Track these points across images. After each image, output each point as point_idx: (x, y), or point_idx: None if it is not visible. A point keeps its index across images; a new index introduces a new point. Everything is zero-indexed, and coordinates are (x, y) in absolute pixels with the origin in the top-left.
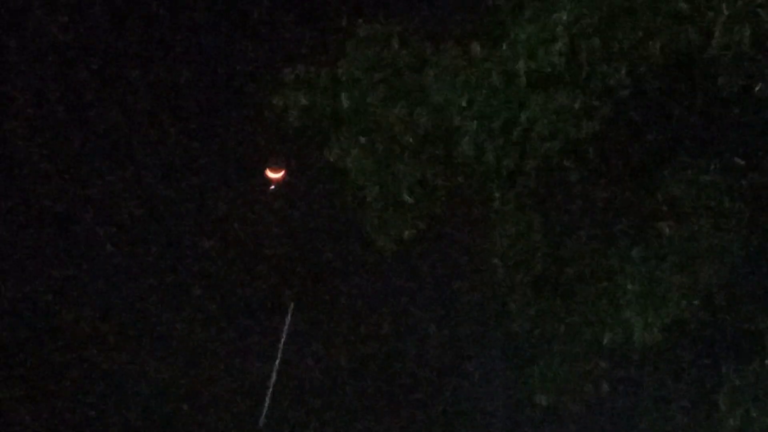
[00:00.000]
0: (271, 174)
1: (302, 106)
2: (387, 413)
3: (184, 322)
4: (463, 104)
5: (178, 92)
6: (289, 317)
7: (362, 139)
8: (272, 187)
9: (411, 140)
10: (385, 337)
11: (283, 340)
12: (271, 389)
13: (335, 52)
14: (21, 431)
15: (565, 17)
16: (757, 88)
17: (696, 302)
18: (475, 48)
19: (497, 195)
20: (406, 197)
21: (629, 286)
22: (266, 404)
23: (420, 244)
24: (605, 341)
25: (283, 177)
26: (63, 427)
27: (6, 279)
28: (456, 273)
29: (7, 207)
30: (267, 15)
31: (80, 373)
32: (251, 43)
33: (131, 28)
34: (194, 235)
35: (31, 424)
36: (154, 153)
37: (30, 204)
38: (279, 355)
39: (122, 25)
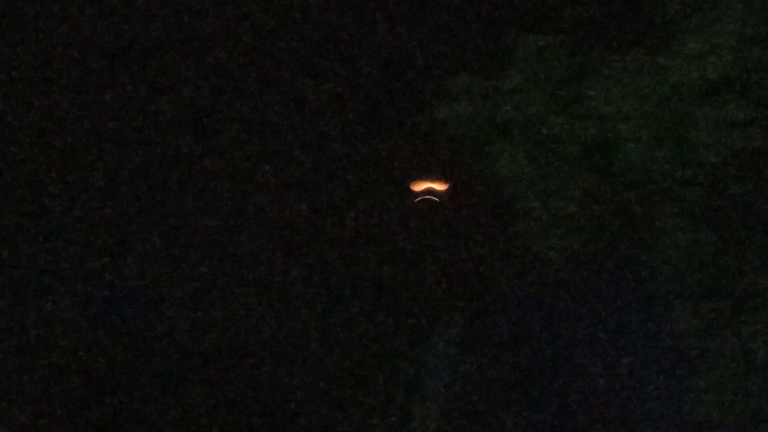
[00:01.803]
0: (431, 186)
1: (465, 115)
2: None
3: (346, 332)
4: (628, 115)
5: (342, 100)
6: (453, 332)
7: (524, 150)
8: (434, 198)
9: (574, 151)
10: (548, 349)
11: (446, 353)
12: (439, 400)
13: (500, 63)
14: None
15: (732, 26)
16: None
17: None
18: (642, 57)
19: (664, 206)
20: (570, 207)
21: None
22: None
23: (584, 256)
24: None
25: (448, 188)
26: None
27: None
28: (621, 285)
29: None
30: (433, 26)
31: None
32: (417, 51)
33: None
34: (355, 247)
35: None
36: (315, 161)
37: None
38: (446, 369)
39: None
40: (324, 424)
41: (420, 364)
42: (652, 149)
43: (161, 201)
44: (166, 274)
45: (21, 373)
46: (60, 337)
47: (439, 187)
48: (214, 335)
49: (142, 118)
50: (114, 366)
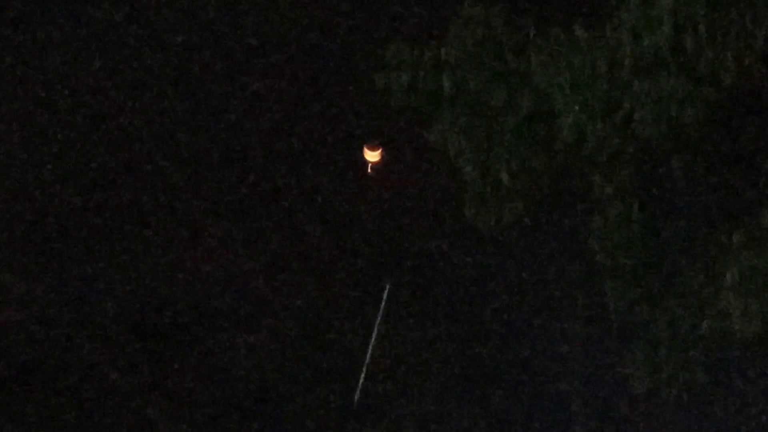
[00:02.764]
0: (369, 153)
1: (404, 85)
2: (477, 397)
3: (283, 300)
4: (566, 88)
5: (281, 69)
6: (384, 298)
7: (463, 121)
8: (371, 166)
9: (512, 122)
10: (481, 320)
11: (378, 322)
12: (365, 370)
13: (439, 33)
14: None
15: (671, 2)
16: None
17: None
18: (580, 31)
19: (598, 179)
20: (506, 179)
21: (729, 275)
22: (360, 384)
23: (518, 227)
24: (704, 329)
25: (382, 156)
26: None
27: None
28: (554, 257)
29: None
30: None
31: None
32: (356, 21)
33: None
34: (291, 213)
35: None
36: (254, 129)
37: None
38: (374, 336)
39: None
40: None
41: (353, 335)
42: (588, 122)
43: None
44: None
45: None
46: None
47: (377, 155)
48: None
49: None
50: None
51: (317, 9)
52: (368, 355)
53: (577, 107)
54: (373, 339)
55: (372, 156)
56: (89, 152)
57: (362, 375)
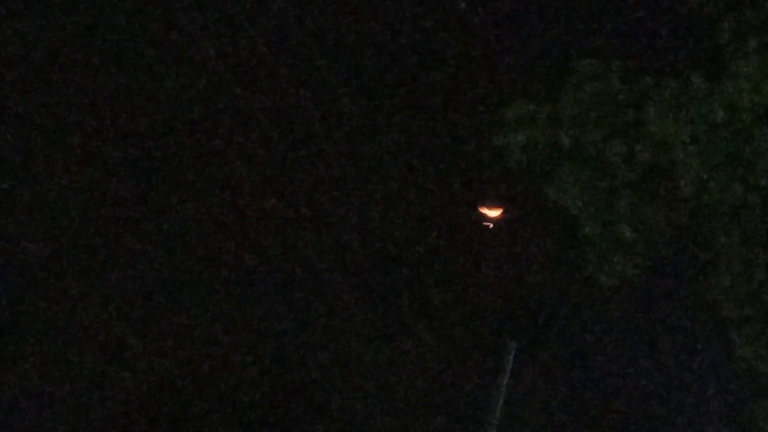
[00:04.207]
0: (488, 212)
1: (522, 143)
2: None
3: (403, 357)
4: (686, 139)
5: (405, 130)
6: (511, 357)
7: (582, 176)
8: (490, 224)
9: (632, 176)
10: (606, 375)
11: (506, 379)
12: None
13: (555, 90)
14: None
15: None
16: None
17: None
18: (697, 82)
19: (721, 230)
20: (628, 233)
21: None
22: None
23: (643, 281)
24: None
25: (504, 215)
26: None
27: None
28: (679, 309)
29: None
30: (489, 53)
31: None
32: (472, 80)
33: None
34: (418, 273)
35: None
36: (374, 191)
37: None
38: (503, 394)
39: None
40: None
41: (476, 389)
42: (709, 173)
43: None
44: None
45: None
46: None
47: (496, 213)
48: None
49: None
50: None
51: (434, 70)
52: (497, 415)
53: (696, 159)
54: (501, 399)
55: (492, 213)
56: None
57: None
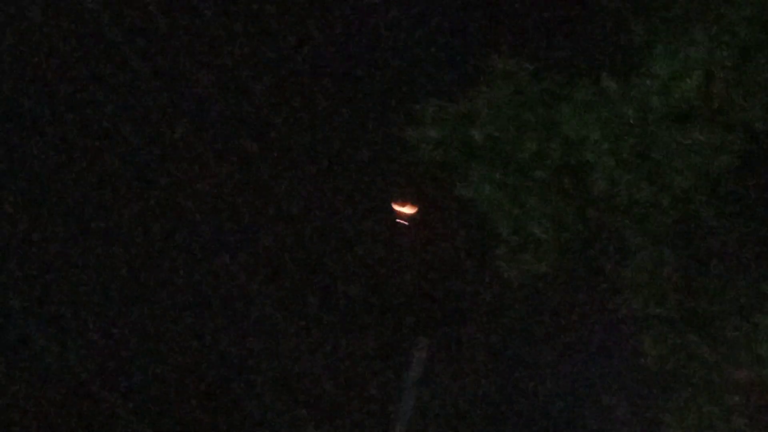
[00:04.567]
0: (400, 209)
1: (434, 140)
2: None
3: (315, 353)
4: (597, 139)
5: (312, 124)
6: (423, 353)
7: (496, 174)
8: (403, 222)
9: (543, 175)
10: (516, 372)
11: (413, 375)
12: (399, 424)
13: (468, 88)
14: None
15: (699, 52)
16: None
17: None
18: (609, 82)
19: (631, 230)
20: (538, 232)
21: (765, 322)
22: None
23: (553, 279)
24: (741, 377)
25: (415, 212)
26: None
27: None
28: (589, 307)
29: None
30: (401, 49)
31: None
32: (385, 77)
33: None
34: (323, 267)
35: None
36: (285, 184)
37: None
38: (412, 390)
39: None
40: None
41: (390, 385)
42: (619, 173)
43: None
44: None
45: None
46: None
47: (408, 210)
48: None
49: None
50: None
51: (348, 64)
52: (401, 411)
53: (607, 158)
54: (406, 393)
55: (403, 210)
56: None
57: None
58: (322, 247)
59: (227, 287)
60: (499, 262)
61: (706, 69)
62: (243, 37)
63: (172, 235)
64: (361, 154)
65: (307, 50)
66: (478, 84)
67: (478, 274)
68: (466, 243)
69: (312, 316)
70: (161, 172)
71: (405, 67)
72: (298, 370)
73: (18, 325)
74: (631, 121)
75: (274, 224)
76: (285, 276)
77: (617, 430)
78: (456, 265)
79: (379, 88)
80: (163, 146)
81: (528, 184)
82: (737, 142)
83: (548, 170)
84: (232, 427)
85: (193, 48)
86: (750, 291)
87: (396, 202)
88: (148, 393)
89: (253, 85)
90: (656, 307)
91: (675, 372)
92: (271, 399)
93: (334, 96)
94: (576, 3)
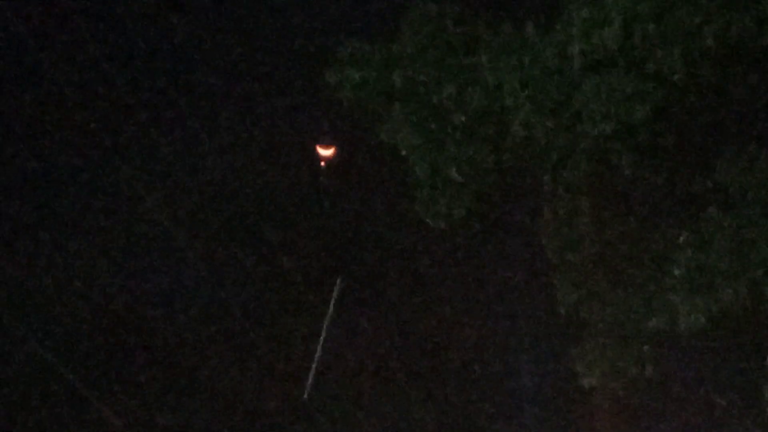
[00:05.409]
0: (321, 150)
1: (355, 82)
2: (427, 393)
3: (238, 296)
4: (516, 85)
5: (233, 66)
6: (336, 292)
7: (414, 118)
8: (323, 163)
9: (463, 119)
10: (430, 315)
11: (329, 315)
12: (315, 363)
13: (390, 30)
14: None
15: (621, 0)
16: None
17: (743, 290)
18: (529, 29)
19: (547, 176)
20: (456, 176)
21: (676, 271)
22: (311, 378)
23: (468, 223)
24: (651, 325)
25: (334, 153)
26: None
27: None
28: (503, 253)
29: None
30: None
31: None
32: (306, 19)
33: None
34: (243, 210)
35: None
36: (207, 127)
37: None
38: (324, 330)
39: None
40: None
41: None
42: (537, 119)
43: None
44: None
45: None
46: None
47: (329, 151)
48: None
49: None
50: None
51: (269, 4)
52: (318, 352)
53: (526, 104)
54: (323, 335)
55: (325, 152)
56: None
57: (312, 371)
58: (244, 188)
59: (148, 232)
60: (417, 204)
61: (626, 17)
62: None
63: None
64: (283, 96)
65: None
66: (400, 27)
67: (396, 216)
68: (385, 185)
69: (235, 258)
70: None
71: (326, 7)
72: (219, 309)
73: None
74: (551, 68)
75: (195, 163)
76: (208, 220)
77: (529, 380)
78: (375, 206)
79: (301, 29)
80: None
81: (447, 129)
82: (654, 93)
83: (468, 115)
84: None
85: None
86: (663, 240)
87: (318, 144)
88: None
89: None
90: (571, 254)
91: (588, 320)
92: (190, 337)
93: (254, 36)
94: None
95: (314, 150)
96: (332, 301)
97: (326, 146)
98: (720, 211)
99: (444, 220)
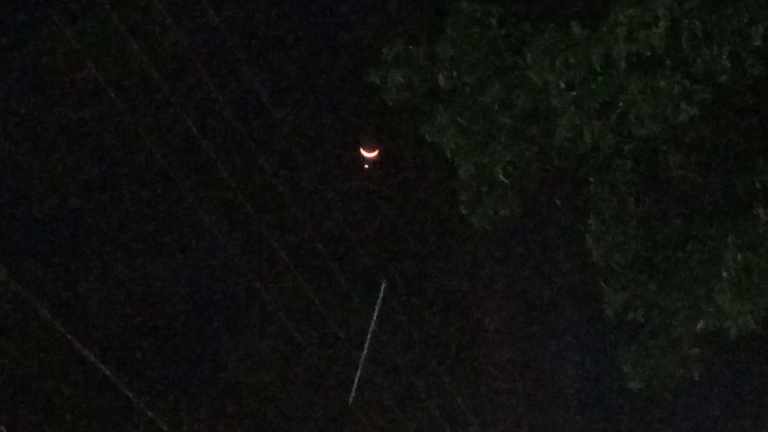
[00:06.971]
0: (365, 152)
1: (399, 83)
2: (471, 396)
3: (279, 299)
4: (562, 86)
5: (278, 67)
6: (381, 295)
7: (459, 119)
8: (366, 165)
9: (508, 121)
10: (475, 317)
11: (374, 319)
12: (360, 367)
13: (434, 31)
14: None
15: (667, 0)
16: None
17: None
18: (576, 29)
19: (593, 177)
20: (502, 177)
21: (724, 273)
22: (356, 382)
23: (514, 224)
24: (699, 327)
25: (378, 155)
26: None
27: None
28: (549, 254)
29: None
30: None
31: None
32: (350, 20)
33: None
34: (288, 212)
35: None
36: (250, 127)
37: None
38: (369, 334)
39: None
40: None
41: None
42: (583, 120)
43: None
44: None
45: None
46: None
47: (370, 153)
48: None
49: None
50: None
51: (314, 6)
52: (364, 353)
53: (572, 105)
54: (369, 337)
55: (369, 153)
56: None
57: (358, 373)
58: (288, 191)
59: (188, 243)
60: (462, 205)
61: (672, 17)
62: None
63: None
64: (328, 96)
65: None
66: (444, 27)
67: (441, 217)
68: (430, 187)
69: (275, 261)
70: None
71: (371, 8)
72: (261, 313)
73: None
74: (597, 68)
75: (237, 165)
76: (245, 219)
77: (576, 382)
78: (420, 208)
79: (345, 30)
80: None
81: (493, 130)
82: (701, 93)
83: (514, 116)
84: None
85: None
86: (711, 242)
87: (362, 145)
88: None
89: None
90: (618, 256)
91: (635, 321)
92: (228, 338)
93: (299, 37)
94: None
95: (358, 152)
96: (377, 304)
97: (370, 148)
98: None
99: (489, 222)
